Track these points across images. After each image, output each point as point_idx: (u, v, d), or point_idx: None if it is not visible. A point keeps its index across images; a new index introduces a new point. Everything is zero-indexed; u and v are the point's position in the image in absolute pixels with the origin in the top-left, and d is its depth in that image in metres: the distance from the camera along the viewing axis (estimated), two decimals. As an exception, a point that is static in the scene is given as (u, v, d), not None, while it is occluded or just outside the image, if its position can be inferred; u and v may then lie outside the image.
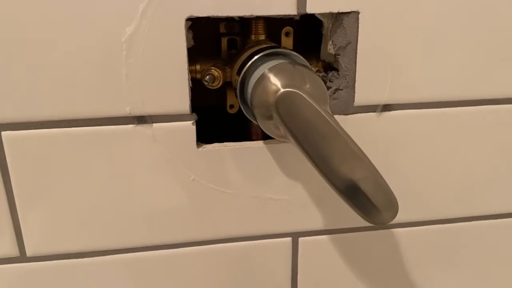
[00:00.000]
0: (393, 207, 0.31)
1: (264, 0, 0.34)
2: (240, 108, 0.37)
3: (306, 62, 0.35)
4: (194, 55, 0.37)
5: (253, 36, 0.39)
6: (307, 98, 0.30)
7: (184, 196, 0.38)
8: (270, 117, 0.32)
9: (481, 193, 0.43)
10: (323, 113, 0.30)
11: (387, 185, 0.31)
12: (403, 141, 0.40)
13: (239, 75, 0.35)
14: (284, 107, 0.31)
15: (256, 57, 0.35)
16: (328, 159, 0.30)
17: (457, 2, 0.36)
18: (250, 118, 0.36)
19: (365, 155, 0.30)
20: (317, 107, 0.30)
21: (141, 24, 0.33)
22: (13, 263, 0.38)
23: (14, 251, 0.38)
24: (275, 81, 0.31)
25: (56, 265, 0.39)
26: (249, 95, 0.34)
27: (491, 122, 0.40)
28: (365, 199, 0.30)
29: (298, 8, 0.34)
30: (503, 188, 0.43)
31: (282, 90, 0.31)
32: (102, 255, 0.39)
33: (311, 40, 0.41)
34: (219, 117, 0.42)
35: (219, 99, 0.42)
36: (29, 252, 0.38)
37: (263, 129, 0.34)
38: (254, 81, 0.33)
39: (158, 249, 0.40)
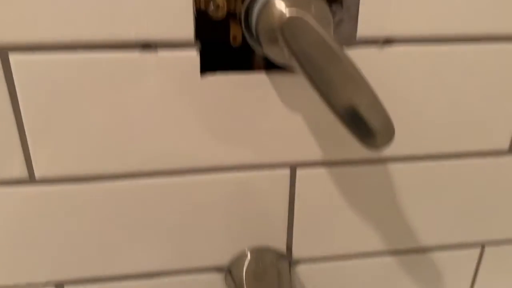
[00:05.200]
0: (389, 131, 0.32)
1: None
2: (243, 41, 0.38)
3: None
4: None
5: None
6: (312, 23, 0.31)
7: (188, 122, 0.39)
8: (275, 41, 0.32)
9: (476, 130, 0.44)
10: (326, 38, 0.31)
11: (385, 110, 0.32)
12: (401, 77, 0.41)
13: (244, 2, 0.36)
14: (289, 32, 0.31)
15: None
16: (329, 82, 0.31)
17: None
18: (253, 47, 0.37)
19: (366, 80, 0.31)
20: (320, 32, 0.31)
21: None
22: (22, 185, 0.40)
23: (23, 174, 0.39)
24: (280, 6, 0.32)
25: (64, 189, 0.40)
26: (254, 21, 0.34)
27: (490, 60, 0.41)
28: (362, 122, 0.32)
29: None
30: (497, 126, 0.45)
31: (287, 15, 0.31)
32: (106, 181, 0.41)
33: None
34: (222, 52, 0.43)
35: (222, 33, 0.43)
36: (38, 175, 0.39)
37: (267, 54, 0.35)
38: (259, 7, 0.33)
39: (164, 176, 0.41)
